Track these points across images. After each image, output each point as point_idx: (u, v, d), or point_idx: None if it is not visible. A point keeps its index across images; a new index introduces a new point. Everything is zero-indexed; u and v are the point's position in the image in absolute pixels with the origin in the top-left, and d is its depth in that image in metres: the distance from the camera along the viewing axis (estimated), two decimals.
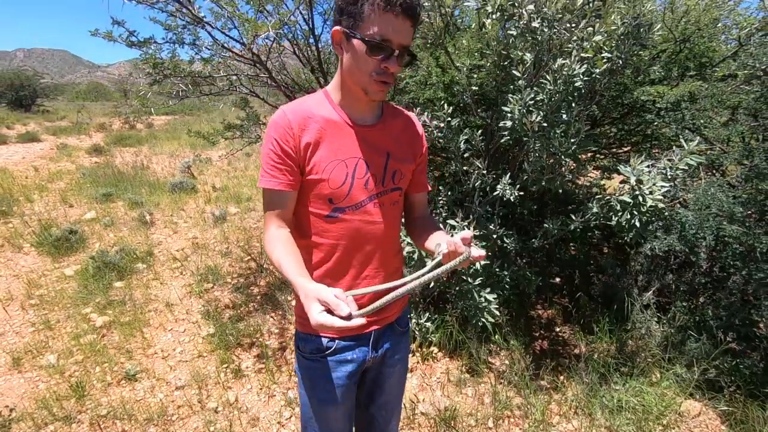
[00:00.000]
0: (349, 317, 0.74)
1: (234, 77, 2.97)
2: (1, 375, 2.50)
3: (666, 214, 2.44)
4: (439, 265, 0.89)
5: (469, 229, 2.23)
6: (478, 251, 0.84)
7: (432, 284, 2.60)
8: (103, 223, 4.88)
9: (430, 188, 1.24)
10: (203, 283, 3.56)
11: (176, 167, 7.87)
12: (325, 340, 1.09)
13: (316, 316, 0.75)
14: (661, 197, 1.79)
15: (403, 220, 1.26)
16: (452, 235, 0.92)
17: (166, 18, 2.55)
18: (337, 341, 1.10)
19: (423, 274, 0.83)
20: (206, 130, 3.75)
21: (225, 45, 2.58)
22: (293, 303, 3.24)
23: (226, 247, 4.31)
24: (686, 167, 1.85)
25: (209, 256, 4.12)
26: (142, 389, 2.41)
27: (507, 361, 2.56)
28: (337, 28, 0.92)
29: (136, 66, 3.36)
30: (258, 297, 3.37)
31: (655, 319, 2.59)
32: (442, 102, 2.36)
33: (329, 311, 0.76)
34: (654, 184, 1.81)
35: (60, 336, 2.86)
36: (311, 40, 3.04)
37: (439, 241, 0.99)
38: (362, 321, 0.76)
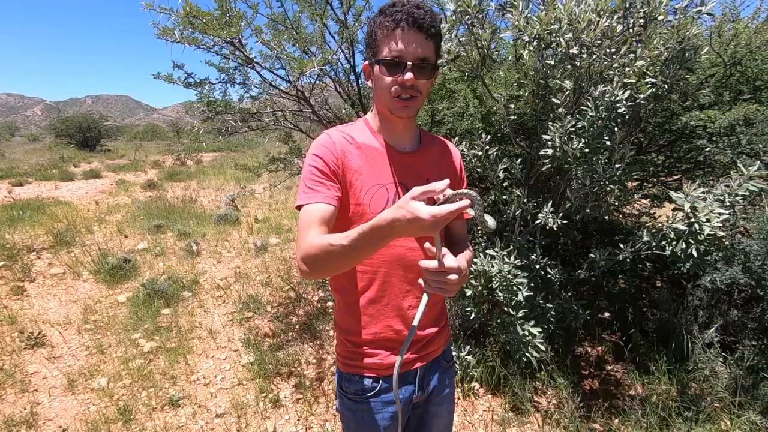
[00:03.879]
0: (454, 195, 0.72)
1: (279, 113, 3.13)
2: (57, 396, 2.62)
3: (726, 243, 2.27)
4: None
5: (509, 258, 2.17)
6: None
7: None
8: (153, 253, 5.15)
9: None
10: (244, 311, 3.64)
11: (221, 200, 8.25)
12: (369, 381, 1.06)
13: (426, 210, 0.68)
14: (719, 225, 1.69)
15: None
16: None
17: (219, 61, 2.77)
18: (381, 382, 1.06)
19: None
20: (251, 164, 3.94)
21: (272, 83, 2.75)
22: (331, 333, 3.24)
23: (266, 277, 4.41)
24: (746, 193, 1.74)
25: (251, 285, 4.22)
26: (184, 415, 2.45)
27: (554, 401, 2.41)
28: (366, 62, 1.01)
29: (190, 107, 3.63)
30: (297, 326, 3.39)
31: (720, 359, 2.38)
32: (480, 132, 2.37)
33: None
34: (711, 212, 1.70)
35: (111, 360, 2.99)
36: (352, 77, 3.19)
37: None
38: (471, 196, 0.73)
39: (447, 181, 0.72)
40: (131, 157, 17.42)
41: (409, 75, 0.92)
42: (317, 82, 3.14)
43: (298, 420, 2.39)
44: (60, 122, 21.11)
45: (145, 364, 2.93)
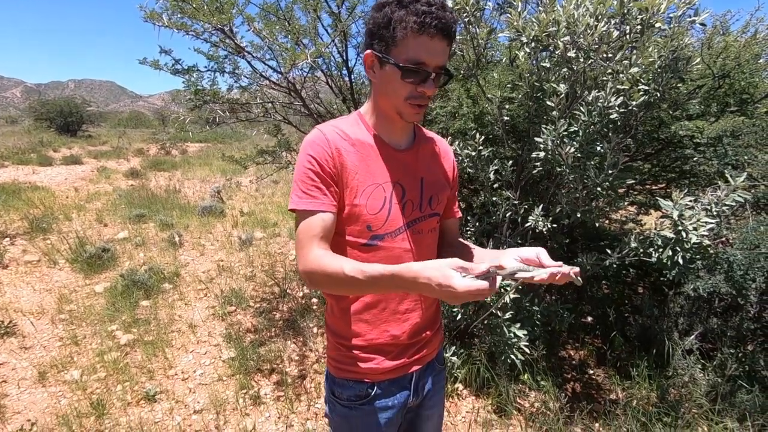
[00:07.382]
0: (487, 272, 0.69)
1: (269, 105, 3.07)
2: (26, 388, 2.53)
3: (711, 252, 2.31)
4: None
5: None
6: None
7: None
8: (134, 243, 5.02)
9: (460, 214, 1.19)
10: (226, 305, 3.57)
11: (206, 192, 8.11)
12: (364, 386, 1.02)
13: (462, 282, 0.67)
14: (706, 233, 1.70)
15: None
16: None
17: (208, 48, 2.69)
18: (376, 387, 1.03)
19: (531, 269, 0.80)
20: (238, 156, 3.87)
21: (263, 74, 2.69)
22: (315, 330, 3.20)
23: (250, 271, 4.34)
24: (733, 204, 1.76)
25: (234, 279, 4.14)
26: (160, 410, 2.38)
27: (537, 403, 2.41)
28: (369, 51, 0.89)
29: (177, 95, 3.53)
30: (279, 322, 3.34)
31: (699, 366, 2.41)
32: (474, 132, 2.35)
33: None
34: (698, 220, 1.72)
35: (85, 352, 2.89)
36: (344, 72, 3.14)
37: (498, 256, 0.96)
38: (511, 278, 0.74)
39: (484, 269, 0.70)
40: (114, 144, 16.98)
41: (431, 87, 0.86)
42: (309, 74, 3.09)
43: (279, 418, 2.35)
44: (40, 105, 20.49)
45: (122, 357, 2.84)
